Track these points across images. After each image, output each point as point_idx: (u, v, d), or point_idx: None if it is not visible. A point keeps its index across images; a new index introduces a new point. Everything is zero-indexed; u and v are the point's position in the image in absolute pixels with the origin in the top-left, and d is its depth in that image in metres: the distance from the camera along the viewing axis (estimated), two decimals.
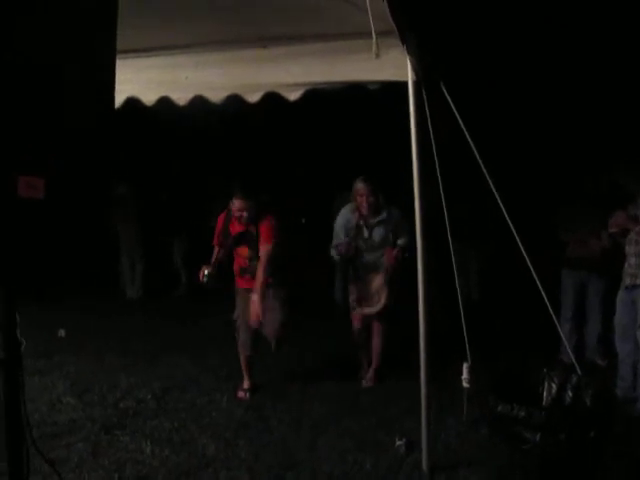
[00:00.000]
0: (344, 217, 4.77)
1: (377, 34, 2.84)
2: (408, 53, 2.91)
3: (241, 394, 4.71)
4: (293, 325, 4.85)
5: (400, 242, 4.70)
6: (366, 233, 4.72)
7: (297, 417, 4.25)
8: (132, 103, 3.66)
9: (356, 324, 4.89)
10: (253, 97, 3.49)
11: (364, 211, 4.66)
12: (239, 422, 4.20)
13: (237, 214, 4.51)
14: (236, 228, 4.61)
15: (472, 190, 5.07)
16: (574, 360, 3.43)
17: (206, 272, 4.61)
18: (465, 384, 3.78)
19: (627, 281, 4.33)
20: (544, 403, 3.10)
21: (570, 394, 3.06)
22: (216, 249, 4.83)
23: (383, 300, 4.72)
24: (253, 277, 4.53)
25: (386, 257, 4.69)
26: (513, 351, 5.17)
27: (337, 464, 3.54)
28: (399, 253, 4.65)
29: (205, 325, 6.73)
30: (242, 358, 4.81)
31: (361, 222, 4.71)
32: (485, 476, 3.21)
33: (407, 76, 3.13)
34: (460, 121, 3.11)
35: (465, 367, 3.82)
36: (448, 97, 3.14)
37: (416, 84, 3.14)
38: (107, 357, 5.61)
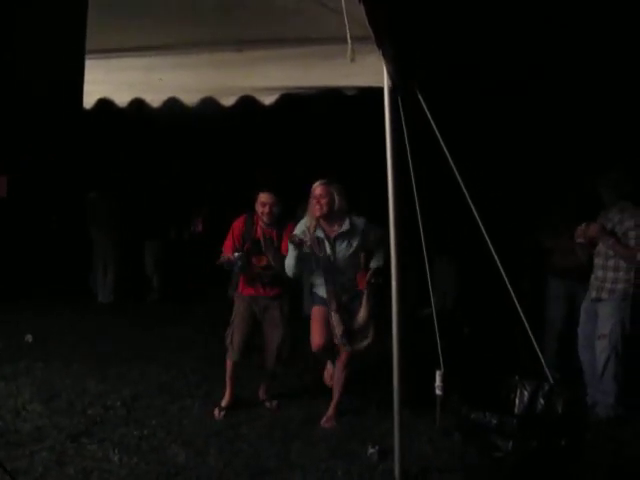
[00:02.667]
0: (299, 230, 4.08)
1: (354, 39, 2.81)
2: (384, 58, 2.90)
3: (216, 412, 4.36)
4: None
5: (373, 264, 4.07)
6: (328, 248, 4.04)
7: (269, 425, 4.21)
8: (105, 105, 3.60)
9: (318, 343, 4.18)
10: (228, 100, 3.46)
11: (317, 214, 4.01)
12: (210, 430, 4.13)
13: (261, 209, 4.19)
14: (258, 232, 4.27)
15: (449, 199, 5.08)
16: (547, 369, 3.45)
17: (236, 254, 4.19)
18: (438, 392, 3.77)
19: (593, 294, 4.40)
20: (516, 411, 3.11)
21: (542, 402, 3.07)
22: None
23: (372, 333, 4.08)
24: (263, 286, 4.30)
25: (359, 282, 4.08)
26: (488, 359, 5.20)
27: (309, 472, 3.50)
28: (373, 277, 4.02)
29: (177, 331, 6.65)
30: (228, 367, 4.46)
31: (320, 234, 4.05)
32: None
33: (383, 82, 3.12)
34: (435, 129, 3.11)
35: (438, 375, 3.82)
36: (424, 104, 3.14)
37: (392, 91, 3.14)
38: (76, 363, 5.48)
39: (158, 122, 5.82)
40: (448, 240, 6.60)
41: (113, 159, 8.20)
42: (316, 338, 4.17)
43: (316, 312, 4.19)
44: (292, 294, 4.58)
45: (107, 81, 3.47)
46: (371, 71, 3.17)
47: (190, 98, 3.50)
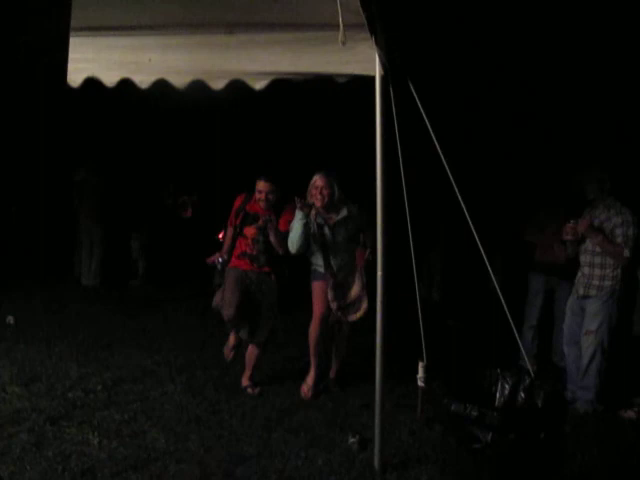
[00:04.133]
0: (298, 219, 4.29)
1: (347, 26, 2.80)
2: (376, 46, 2.88)
3: (226, 351, 4.89)
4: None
5: (369, 243, 4.36)
6: (328, 233, 4.37)
7: (251, 412, 4.20)
8: (93, 84, 3.53)
9: (320, 311, 4.46)
10: (218, 84, 3.39)
11: (318, 204, 4.31)
12: (192, 415, 4.11)
13: (258, 196, 4.45)
14: (253, 208, 4.53)
15: (437, 189, 5.08)
16: (528, 363, 3.47)
17: (220, 259, 4.64)
18: (420, 383, 3.78)
19: (580, 291, 4.42)
20: (497, 403, 3.12)
21: (522, 395, 3.09)
22: (229, 230, 4.72)
23: (365, 305, 4.38)
24: (251, 262, 4.51)
25: (357, 259, 4.43)
26: (471, 351, 5.22)
27: (289, 460, 3.50)
28: (370, 255, 4.28)
29: (161, 317, 6.62)
30: (231, 338, 4.85)
31: (321, 221, 4.36)
32: (436, 475, 3.22)
33: (375, 70, 3.10)
34: (426, 118, 3.09)
35: (421, 366, 3.83)
36: (415, 94, 3.12)
37: (383, 79, 3.11)
38: (58, 346, 5.44)
39: (147, 104, 5.75)
40: (436, 231, 6.60)
41: (101, 140, 8.10)
42: (318, 307, 4.50)
43: (317, 287, 4.51)
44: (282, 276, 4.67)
45: (95, 60, 3.39)
46: (363, 59, 3.13)
47: (179, 80, 3.43)
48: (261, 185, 4.43)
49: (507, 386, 3.15)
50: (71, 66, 3.39)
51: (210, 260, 4.74)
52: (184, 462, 3.47)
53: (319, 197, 4.31)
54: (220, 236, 8.01)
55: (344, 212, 4.38)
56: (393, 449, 3.55)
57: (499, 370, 3.19)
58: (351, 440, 3.66)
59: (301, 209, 4.21)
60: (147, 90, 3.48)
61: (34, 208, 8.08)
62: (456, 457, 2.88)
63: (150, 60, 3.35)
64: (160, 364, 5.12)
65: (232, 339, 4.86)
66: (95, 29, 3.27)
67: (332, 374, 4.72)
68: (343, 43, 2.41)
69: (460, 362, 4.56)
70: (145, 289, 7.89)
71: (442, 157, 3.24)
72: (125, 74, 3.44)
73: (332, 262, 4.42)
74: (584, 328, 4.35)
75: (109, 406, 4.23)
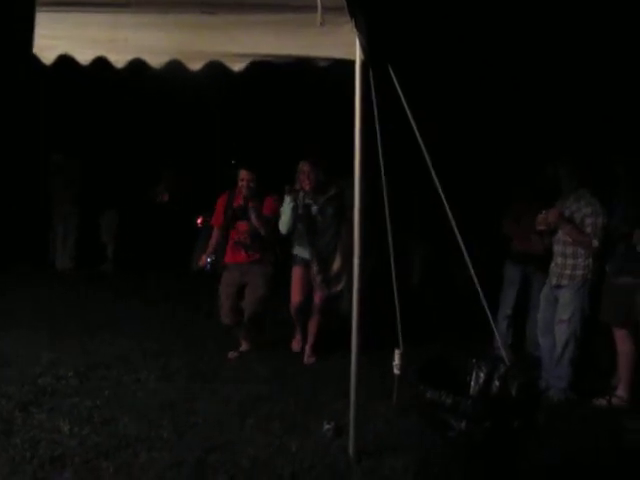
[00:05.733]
0: (287, 202, 4.78)
1: (328, 8, 2.75)
2: (356, 29, 2.83)
3: (231, 355, 5.02)
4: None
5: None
6: (316, 212, 4.82)
7: (225, 398, 4.16)
8: (66, 61, 3.42)
9: (296, 300, 4.93)
10: (195, 65, 3.32)
11: (307, 188, 4.76)
12: (165, 402, 4.06)
13: (240, 183, 4.83)
14: (239, 201, 4.86)
15: (417, 177, 5.07)
16: (503, 351, 3.49)
17: (209, 260, 4.93)
18: (396, 371, 3.78)
19: (553, 281, 4.47)
20: (471, 392, 3.13)
21: (497, 384, 3.09)
22: (215, 231, 5.05)
23: (345, 279, 4.77)
24: (247, 253, 4.88)
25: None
26: (447, 339, 5.25)
27: (262, 447, 3.47)
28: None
29: (135, 302, 6.54)
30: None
31: (309, 202, 4.79)
32: (410, 462, 3.21)
33: (355, 55, 3.05)
34: (405, 104, 3.06)
35: (397, 353, 3.83)
36: (395, 80, 3.08)
37: (364, 64, 3.07)
38: (29, 331, 5.34)
39: (122, 83, 5.62)
40: (415, 220, 6.59)
41: (77, 121, 7.91)
42: (295, 296, 4.95)
43: (296, 272, 4.95)
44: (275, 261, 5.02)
45: (69, 37, 3.29)
46: (344, 42, 3.08)
47: (156, 60, 3.34)
48: (242, 174, 4.84)
49: (482, 375, 3.16)
50: (43, 42, 3.28)
51: (201, 264, 5.01)
52: (155, 449, 3.42)
53: (307, 182, 4.75)
54: (199, 221, 7.96)
55: (331, 192, 4.83)
56: (368, 436, 3.53)
57: (474, 359, 3.19)
58: (326, 427, 3.65)
59: (289, 193, 4.66)
60: (123, 69, 3.39)
61: (7, 193, 7.86)
62: (430, 445, 2.89)
63: (126, 39, 3.25)
64: (134, 350, 5.06)
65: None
66: (67, 4, 3.16)
67: (308, 347, 5.04)
68: (321, 24, 2.36)
69: (436, 350, 4.57)
70: (117, 273, 7.78)
71: (422, 146, 3.22)
72: (100, 52, 3.34)
73: (319, 240, 4.83)
74: (557, 317, 4.40)
75: (80, 392, 4.16)
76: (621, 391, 4.26)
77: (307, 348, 5.04)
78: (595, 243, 4.20)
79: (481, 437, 2.66)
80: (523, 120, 6.03)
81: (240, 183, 4.85)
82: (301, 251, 4.94)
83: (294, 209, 4.73)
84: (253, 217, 4.76)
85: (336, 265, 4.88)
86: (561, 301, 4.40)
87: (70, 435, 3.54)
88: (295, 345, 5.25)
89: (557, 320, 4.39)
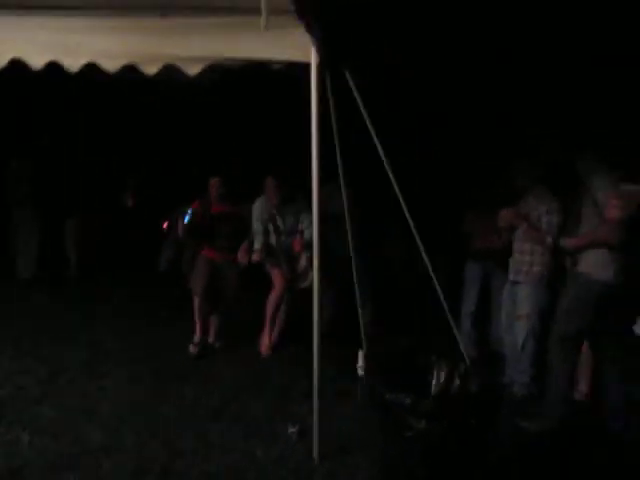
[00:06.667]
0: (259, 209, 5.28)
1: (280, 11, 2.74)
2: (308, 32, 2.83)
3: (192, 348, 5.16)
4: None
5: (306, 234, 5.23)
6: (279, 221, 5.30)
7: (191, 404, 4.13)
8: (18, 66, 3.35)
9: (277, 293, 5.29)
10: (151, 69, 3.28)
11: (274, 202, 5.24)
12: (129, 408, 4.02)
13: (212, 193, 5.27)
14: (217, 208, 5.28)
15: (374, 176, 5.12)
16: (463, 349, 3.53)
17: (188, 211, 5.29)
18: (360, 372, 3.81)
19: (511, 276, 4.54)
20: (432, 391, 3.16)
21: (457, 382, 3.14)
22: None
23: (310, 276, 4.93)
24: (227, 251, 5.26)
25: (295, 244, 5.30)
26: (411, 339, 5.28)
27: (227, 453, 3.46)
28: (302, 242, 5.26)
29: (99, 310, 6.41)
30: (195, 305, 5.24)
31: (274, 211, 5.27)
32: (373, 463, 3.23)
33: (310, 57, 3.05)
34: (362, 107, 3.07)
35: (360, 355, 3.85)
36: (351, 82, 3.09)
37: (319, 66, 3.07)
38: None
39: (77, 88, 5.53)
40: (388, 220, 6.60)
41: (31, 125, 7.74)
42: (279, 281, 5.30)
43: (274, 271, 5.35)
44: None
45: (19, 40, 3.23)
46: (299, 45, 3.08)
47: (110, 64, 3.29)
48: (211, 182, 5.29)
49: (442, 373, 3.19)
50: None
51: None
52: (119, 457, 3.39)
53: (274, 197, 5.24)
54: (164, 226, 7.87)
55: (292, 204, 5.28)
56: (332, 438, 3.54)
57: (434, 357, 3.23)
58: (291, 430, 3.65)
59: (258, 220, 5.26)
60: (76, 74, 3.33)
61: None
62: (391, 445, 2.91)
63: (78, 44, 3.20)
64: (98, 356, 4.99)
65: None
66: (17, 7, 3.10)
67: (273, 339, 5.35)
68: (265, 28, 2.36)
69: (399, 350, 4.60)
70: (82, 281, 7.63)
71: (380, 150, 3.24)
72: (53, 57, 3.27)
73: (284, 243, 5.30)
74: (516, 313, 4.47)
75: (42, 402, 4.09)
76: (582, 386, 4.35)
77: (270, 339, 5.31)
78: (549, 240, 4.26)
79: (438, 436, 2.69)
80: (483, 118, 6.09)
81: (212, 192, 5.27)
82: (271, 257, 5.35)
83: (265, 233, 5.28)
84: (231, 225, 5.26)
85: (301, 264, 5.30)
86: (519, 297, 4.47)
87: (30, 446, 3.48)
88: (263, 348, 5.31)
89: (516, 316, 4.46)
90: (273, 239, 5.32)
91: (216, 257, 5.31)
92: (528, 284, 4.41)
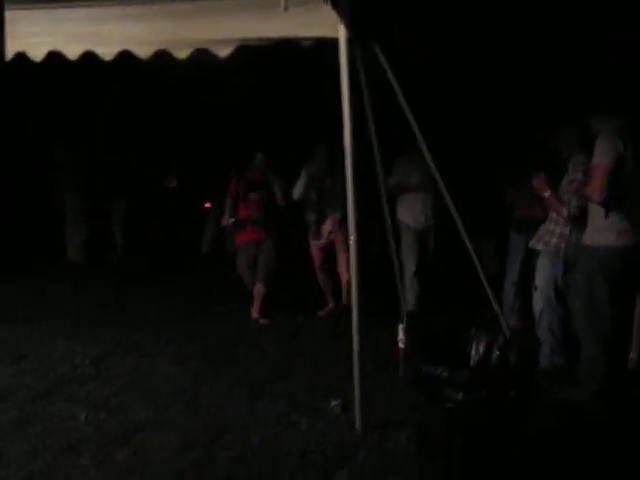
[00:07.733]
0: (312, 166, 5.58)
1: None
2: (334, 9, 2.81)
3: (254, 315, 5.66)
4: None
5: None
6: (328, 181, 5.57)
7: (234, 382, 4.23)
8: (55, 57, 3.44)
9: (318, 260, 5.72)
10: (182, 53, 3.32)
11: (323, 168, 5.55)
12: (178, 386, 4.16)
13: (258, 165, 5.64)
14: (251, 177, 5.66)
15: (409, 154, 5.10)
16: (503, 320, 3.49)
17: (231, 220, 5.66)
18: (400, 345, 3.82)
19: (531, 243, 4.41)
20: (472, 362, 3.16)
21: (497, 353, 3.12)
22: (228, 200, 5.73)
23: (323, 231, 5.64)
24: (254, 229, 5.59)
25: (330, 221, 5.60)
26: (454, 310, 5.25)
27: (271, 426, 3.55)
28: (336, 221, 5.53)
29: (147, 290, 6.63)
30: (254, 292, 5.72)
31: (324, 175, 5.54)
32: (413, 434, 3.26)
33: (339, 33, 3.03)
34: (394, 82, 3.04)
35: (400, 328, 3.86)
36: (382, 58, 3.05)
37: (348, 42, 3.04)
38: (44, 323, 5.47)
39: (113, 75, 5.64)
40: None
41: (72, 114, 7.95)
42: (317, 258, 5.77)
43: (313, 245, 5.78)
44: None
45: (55, 32, 3.32)
46: (328, 21, 3.06)
47: (143, 51, 3.35)
48: (257, 158, 5.65)
49: (482, 345, 3.18)
50: (30, 40, 3.30)
51: (224, 223, 5.86)
52: (169, 432, 3.52)
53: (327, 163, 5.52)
54: (207, 205, 8.02)
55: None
56: (374, 411, 3.59)
57: (474, 329, 3.22)
58: (333, 403, 3.71)
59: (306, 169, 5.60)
60: (112, 62, 3.40)
61: (9, 189, 7.94)
62: (430, 416, 2.93)
63: (110, 32, 3.26)
64: (147, 337, 5.16)
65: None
66: (46, 1, 3.17)
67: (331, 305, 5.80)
68: (286, 9, 2.35)
69: (440, 322, 4.60)
70: (128, 262, 7.87)
71: (414, 124, 3.19)
72: (87, 46, 3.35)
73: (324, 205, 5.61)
74: (534, 283, 4.33)
75: (96, 380, 4.27)
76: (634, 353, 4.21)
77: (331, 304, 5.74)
78: (564, 212, 4.12)
79: (477, 407, 2.70)
80: (523, 87, 5.93)
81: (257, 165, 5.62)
82: (311, 222, 5.71)
83: (305, 186, 5.58)
84: (276, 187, 5.57)
85: (326, 228, 5.67)
86: (537, 266, 4.30)
87: (86, 422, 3.65)
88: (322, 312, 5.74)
89: (533, 286, 4.31)
90: (313, 195, 5.61)
91: (249, 238, 5.64)
92: (544, 254, 4.24)
